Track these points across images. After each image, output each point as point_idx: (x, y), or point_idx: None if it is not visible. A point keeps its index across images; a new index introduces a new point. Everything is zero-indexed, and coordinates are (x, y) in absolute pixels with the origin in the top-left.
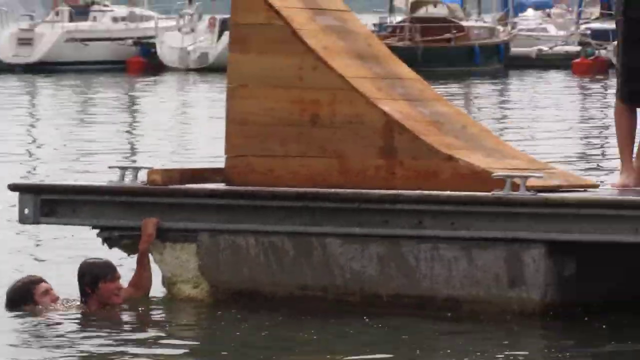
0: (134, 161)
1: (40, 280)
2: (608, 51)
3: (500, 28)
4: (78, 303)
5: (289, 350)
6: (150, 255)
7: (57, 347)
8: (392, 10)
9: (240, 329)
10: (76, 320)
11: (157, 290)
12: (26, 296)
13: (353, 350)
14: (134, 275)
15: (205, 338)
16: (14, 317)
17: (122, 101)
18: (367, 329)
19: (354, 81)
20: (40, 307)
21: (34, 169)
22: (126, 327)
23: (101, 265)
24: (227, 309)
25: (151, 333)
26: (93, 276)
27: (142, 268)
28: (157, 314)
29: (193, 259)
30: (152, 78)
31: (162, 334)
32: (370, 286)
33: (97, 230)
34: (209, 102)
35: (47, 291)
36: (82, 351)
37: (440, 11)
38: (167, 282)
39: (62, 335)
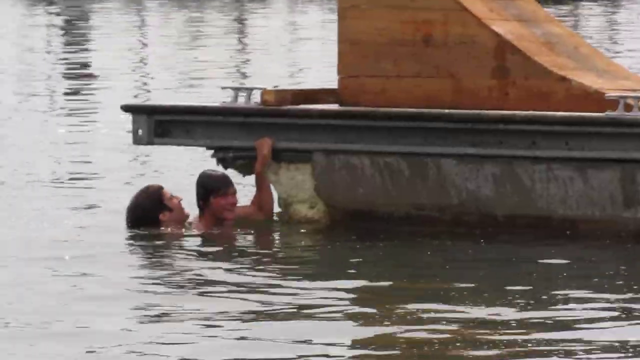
0: (247, 82)
1: (162, 186)
2: None
3: None
4: (196, 218)
5: (405, 273)
6: None
7: (167, 268)
8: None
9: (356, 249)
10: (190, 239)
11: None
12: (158, 204)
13: (468, 274)
14: (254, 197)
15: (322, 259)
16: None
17: (233, 23)
18: (482, 252)
19: (466, 2)
20: (169, 218)
21: (147, 91)
22: (239, 247)
23: (215, 179)
24: (342, 229)
25: (266, 253)
26: (205, 189)
27: (261, 189)
28: (273, 234)
29: (309, 179)
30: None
31: (280, 255)
32: (485, 206)
33: (211, 151)
34: (319, 23)
35: (171, 195)
36: (192, 271)
37: None
38: (282, 203)
39: (170, 256)
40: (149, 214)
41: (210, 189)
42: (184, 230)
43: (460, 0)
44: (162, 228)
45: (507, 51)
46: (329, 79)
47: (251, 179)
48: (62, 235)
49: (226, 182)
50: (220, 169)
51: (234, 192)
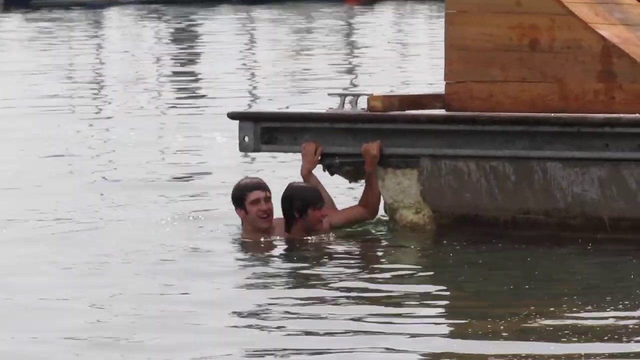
0: (354, 88)
1: (256, 187)
2: None
3: None
4: (281, 226)
5: (511, 278)
6: None
7: (262, 275)
8: None
9: (461, 254)
10: (282, 247)
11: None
12: (238, 201)
13: (575, 279)
14: (362, 196)
15: (428, 264)
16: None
17: (340, 29)
18: (588, 256)
19: (572, 6)
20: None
21: (254, 98)
22: (345, 252)
23: (313, 192)
24: (448, 235)
25: (372, 258)
26: (304, 202)
27: (370, 188)
28: (376, 241)
29: (415, 185)
30: (369, 6)
31: (385, 260)
32: (591, 209)
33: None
34: (425, 29)
35: (258, 200)
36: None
37: None
38: (389, 208)
39: (267, 262)
40: (232, 202)
41: (310, 201)
42: (272, 237)
43: (566, 5)
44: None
45: (613, 55)
46: (435, 84)
47: (354, 185)
48: (164, 238)
49: (320, 195)
50: (326, 175)
51: (324, 206)
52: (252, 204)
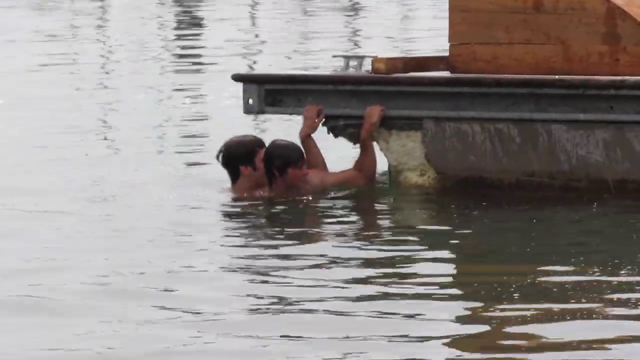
0: (358, 50)
1: (264, 144)
2: None
3: None
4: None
5: (513, 239)
6: (375, 143)
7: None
8: None
9: (465, 214)
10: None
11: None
12: (248, 156)
13: (583, 235)
14: (356, 162)
15: (432, 226)
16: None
17: None
18: (595, 215)
19: None
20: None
21: (257, 59)
22: (346, 214)
23: (294, 150)
24: (452, 197)
25: (375, 219)
26: (283, 160)
27: (365, 153)
28: (383, 201)
29: (419, 147)
30: None
31: (387, 223)
32: (596, 172)
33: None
34: None
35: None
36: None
37: None
38: (393, 170)
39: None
40: (235, 160)
41: (289, 160)
42: (259, 193)
43: None
44: (239, 180)
45: (618, 17)
46: (440, 47)
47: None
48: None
49: (302, 153)
50: (330, 137)
51: (305, 164)
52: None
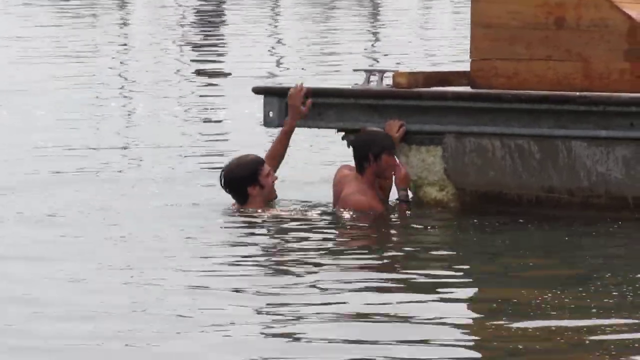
0: (379, 64)
1: (263, 161)
2: None
3: None
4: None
5: (531, 254)
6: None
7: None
8: None
9: (484, 231)
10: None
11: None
12: (252, 176)
13: (599, 254)
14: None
15: (452, 242)
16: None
17: (366, 6)
18: (613, 234)
19: None
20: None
21: (279, 72)
22: (364, 229)
23: (386, 137)
24: (472, 213)
25: (394, 234)
26: (380, 146)
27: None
28: (402, 216)
29: (439, 162)
30: None
31: (406, 238)
32: (615, 189)
33: (342, 133)
34: (452, 6)
35: (270, 173)
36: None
37: None
38: (413, 185)
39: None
40: (240, 182)
41: (384, 146)
42: (268, 210)
43: None
44: (249, 202)
45: (639, 34)
46: (461, 62)
47: None
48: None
49: (394, 143)
50: (350, 152)
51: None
52: (267, 176)
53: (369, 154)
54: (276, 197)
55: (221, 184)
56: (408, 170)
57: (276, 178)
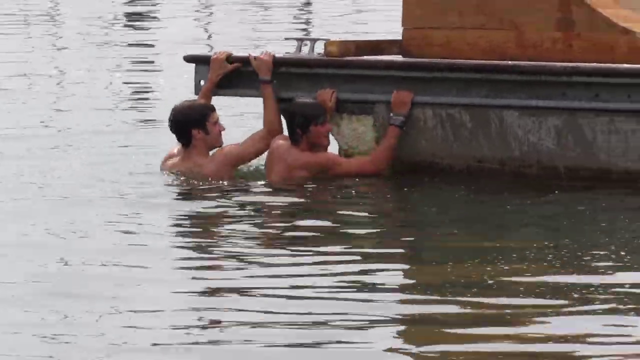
0: (311, 33)
1: (214, 108)
2: None
3: None
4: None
5: (464, 225)
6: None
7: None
8: None
9: (414, 199)
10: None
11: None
12: (200, 119)
13: (530, 223)
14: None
15: (380, 212)
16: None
17: None
18: (544, 204)
19: None
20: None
21: (211, 42)
22: (301, 198)
23: (315, 107)
24: (403, 181)
25: (323, 202)
26: (306, 118)
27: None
28: (330, 185)
29: (370, 131)
30: None
31: (334, 207)
32: (547, 158)
33: None
34: None
35: (217, 121)
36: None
37: None
38: (343, 154)
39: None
40: (185, 123)
41: (312, 117)
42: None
43: None
44: (192, 145)
45: (572, 3)
46: (392, 31)
47: None
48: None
49: (324, 110)
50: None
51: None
52: (214, 124)
53: (295, 127)
54: (221, 145)
55: (169, 123)
56: (339, 139)
57: (223, 128)
